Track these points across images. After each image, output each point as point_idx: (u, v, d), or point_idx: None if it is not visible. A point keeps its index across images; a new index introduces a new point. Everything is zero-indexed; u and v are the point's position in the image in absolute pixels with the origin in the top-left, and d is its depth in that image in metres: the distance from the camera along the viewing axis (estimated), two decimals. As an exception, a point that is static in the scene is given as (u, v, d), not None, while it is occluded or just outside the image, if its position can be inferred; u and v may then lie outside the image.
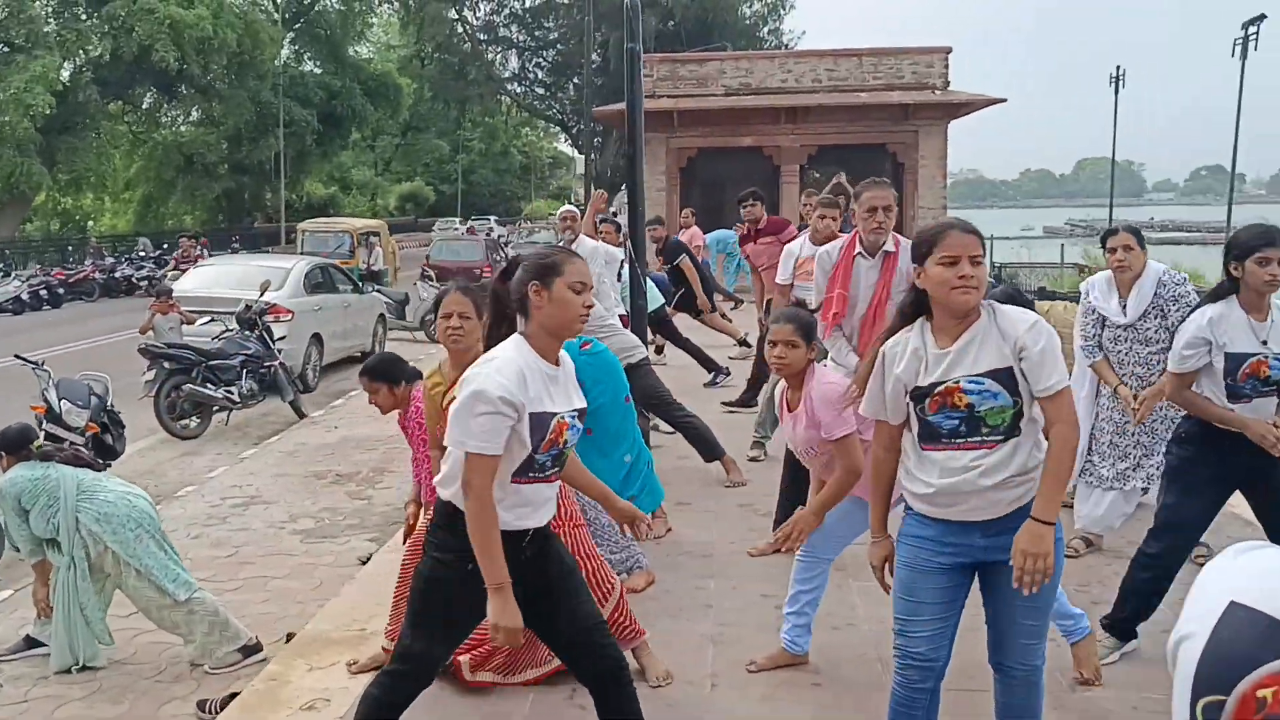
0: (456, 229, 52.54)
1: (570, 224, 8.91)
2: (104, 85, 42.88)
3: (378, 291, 19.43)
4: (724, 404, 10.56)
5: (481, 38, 46.15)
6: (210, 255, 26.33)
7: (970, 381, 3.27)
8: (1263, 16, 39.73)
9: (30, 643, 5.71)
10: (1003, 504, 3.33)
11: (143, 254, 34.48)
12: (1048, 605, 3.49)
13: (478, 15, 46.49)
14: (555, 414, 3.28)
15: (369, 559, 6.93)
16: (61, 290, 28.18)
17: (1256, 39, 39.79)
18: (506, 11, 46.38)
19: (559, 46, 46.32)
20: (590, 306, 3.38)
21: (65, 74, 41.78)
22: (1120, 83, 49.55)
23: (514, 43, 47.02)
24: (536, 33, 46.60)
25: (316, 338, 15.24)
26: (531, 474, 3.32)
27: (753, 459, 8.53)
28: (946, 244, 3.30)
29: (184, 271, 18.90)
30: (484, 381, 3.18)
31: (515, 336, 3.38)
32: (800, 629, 4.79)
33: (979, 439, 3.29)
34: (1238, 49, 39.94)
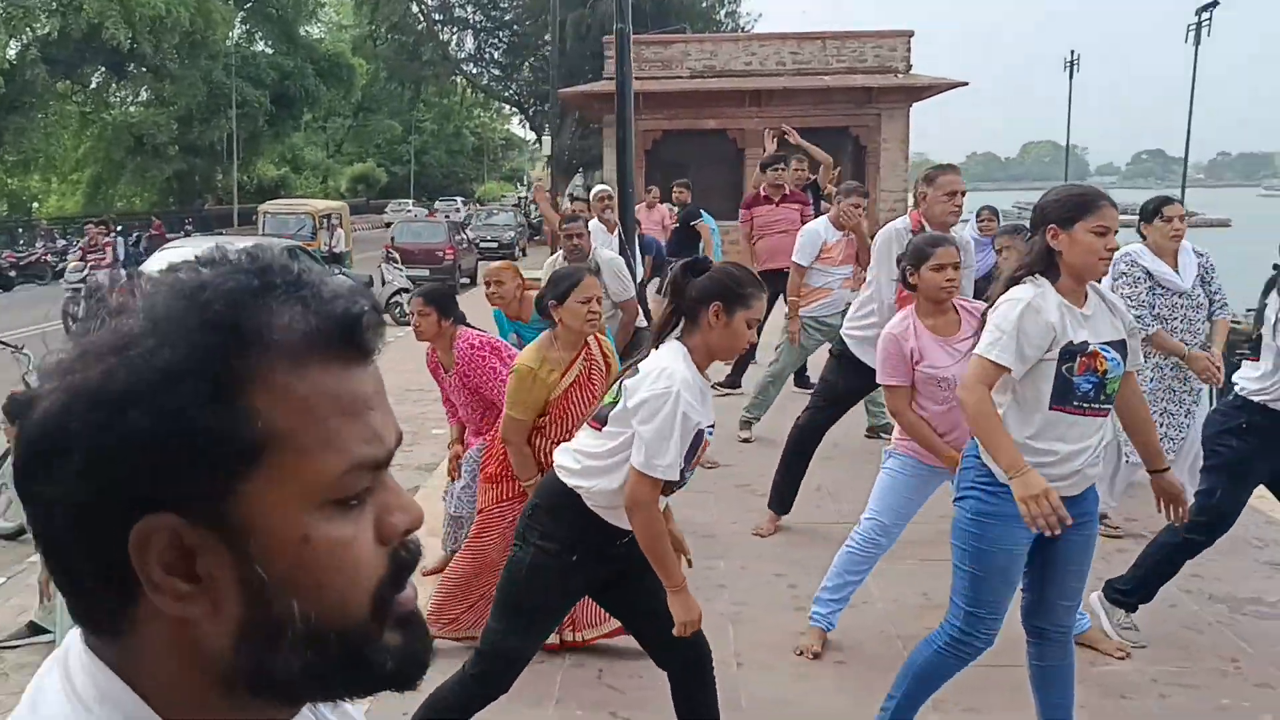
0: (409, 210, 52.16)
1: (608, 204, 9.41)
2: (52, 64, 42.04)
3: (342, 274, 19.24)
4: (714, 385, 10.58)
5: (437, 18, 45.60)
6: (168, 237, 25.96)
7: (1104, 348, 3.37)
8: (1215, 2, 40.34)
9: (34, 629, 5.55)
10: (1087, 480, 3.52)
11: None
12: (1089, 569, 3.64)
13: (433, -5, 46.05)
14: (706, 429, 3.29)
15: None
16: (13, 273, 27.69)
17: (1210, 25, 40.41)
18: (462, -9, 45.96)
19: (515, 27, 45.92)
20: (751, 343, 3.39)
21: (12, 52, 40.99)
22: (1075, 67, 50.09)
23: (469, 23, 46.48)
24: (492, 13, 46.09)
25: (287, 321, 15.09)
26: (676, 488, 3.33)
27: (744, 440, 8.56)
28: (1103, 215, 3.39)
29: (90, 264, 18.55)
30: (685, 407, 3.14)
31: (678, 347, 3.31)
32: (838, 611, 4.84)
33: (1098, 406, 3.43)
34: (1191, 34, 40.54)
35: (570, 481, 3.35)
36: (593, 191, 10.12)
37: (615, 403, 3.32)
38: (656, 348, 3.34)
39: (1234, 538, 5.08)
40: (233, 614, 0.77)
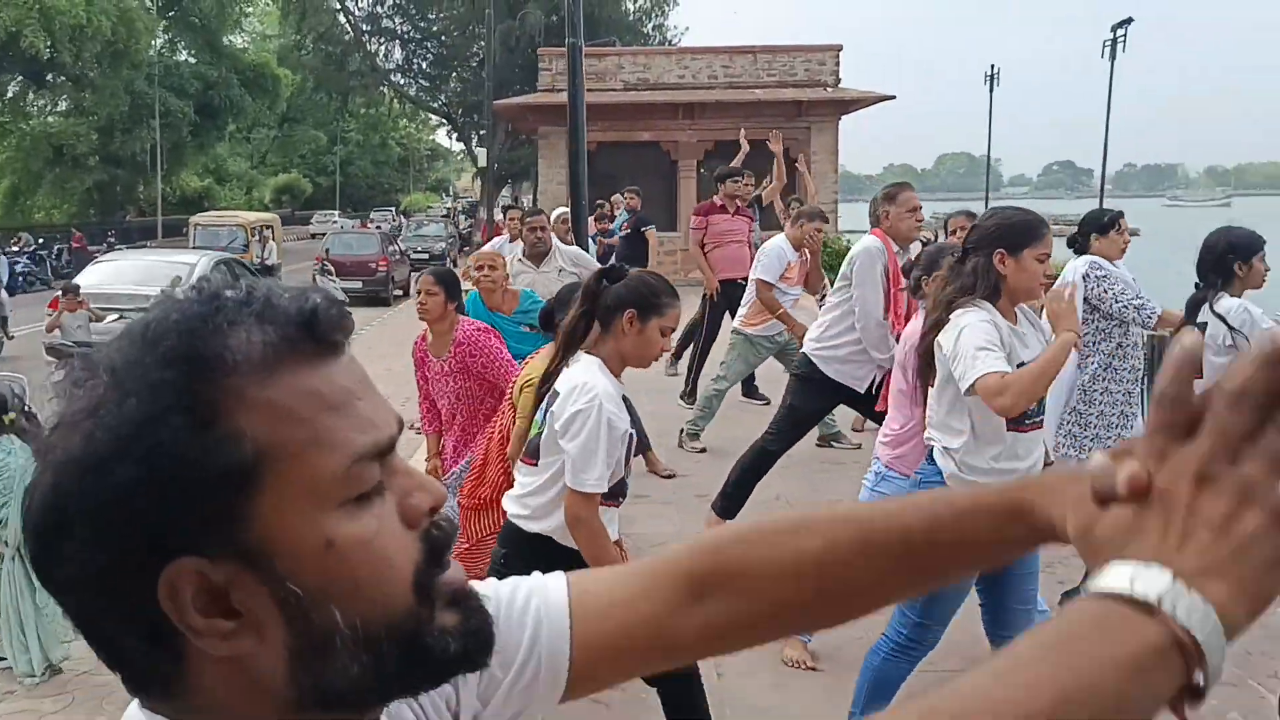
0: (335, 221, 51.70)
1: (568, 227, 9.80)
2: (-34, 72, 41.12)
3: (278, 288, 19.08)
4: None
5: (365, 28, 45.47)
6: (90, 250, 25.47)
7: None
8: (1129, 20, 41.40)
9: None
10: None
11: (15, 248, 33.17)
12: (1038, 569, 3.78)
13: (360, 6, 45.84)
14: (631, 432, 3.33)
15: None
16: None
17: (1125, 41, 41.42)
18: (390, 2, 45.78)
19: (443, 38, 45.91)
20: (667, 350, 3.45)
21: (-75, 60, 39.97)
22: (995, 81, 51.07)
23: (397, 34, 46.43)
24: (420, 24, 46.07)
25: (224, 335, 14.91)
26: (620, 498, 3.37)
27: (699, 450, 8.67)
28: (1047, 243, 3.55)
29: None
30: (609, 416, 3.17)
31: (591, 360, 3.33)
32: None
33: (1039, 419, 3.58)
34: (1107, 50, 41.52)
35: (532, 528, 3.36)
36: (555, 214, 10.18)
37: (540, 433, 3.34)
38: (565, 353, 3.37)
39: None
40: (279, 637, 0.76)
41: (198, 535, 0.74)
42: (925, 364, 3.69)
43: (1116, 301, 5.78)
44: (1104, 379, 5.93)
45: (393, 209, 62.51)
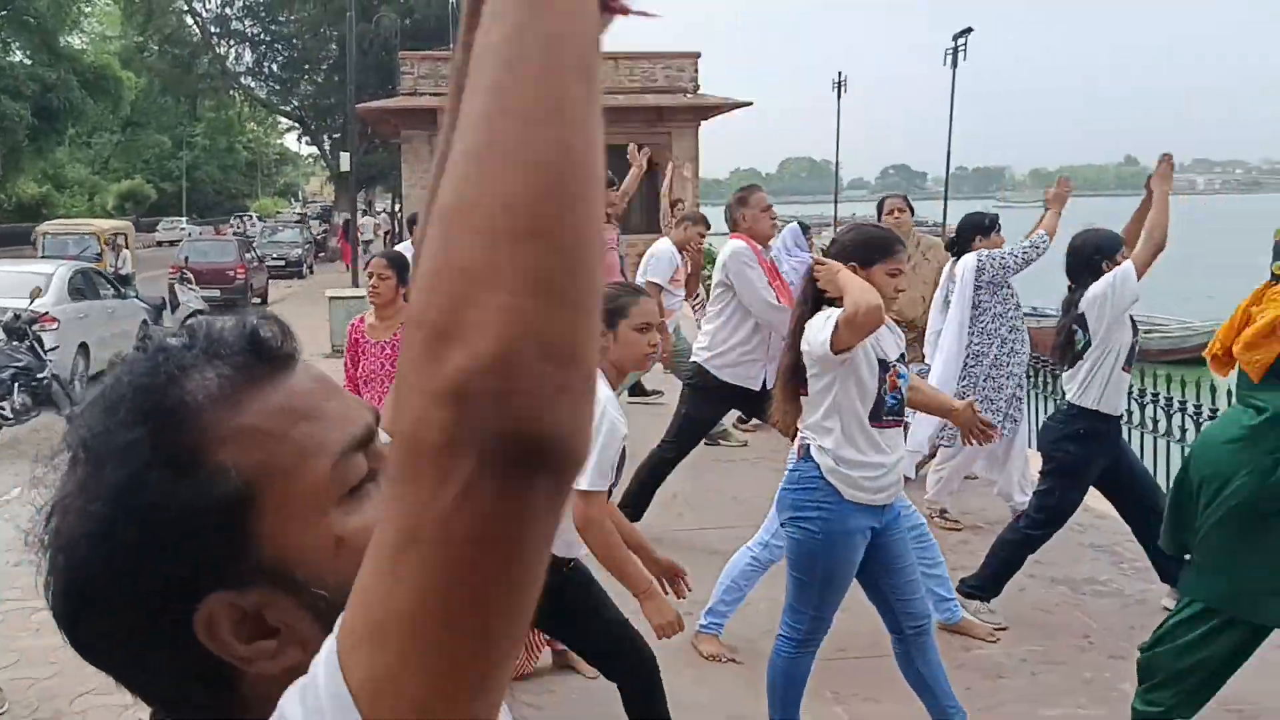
0: (184, 228, 50.23)
1: None
2: None
3: (135, 299, 18.46)
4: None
5: (213, 30, 44.31)
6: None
7: (898, 364, 3.79)
8: (970, 30, 42.87)
9: None
10: (899, 488, 3.89)
11: None
12: (915, 560, 4.06)
13: (208, 7, 44.66)
14: (625, 437, 3.44)
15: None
16: None
17: (965, 50, 42.87)
18: (239, 4, 44.70)
19: (294, 41, 45.05)
20: (656, 344, 3.53)
21: None
22: (843, 88, 52.27)
23: (248, 36, 45.38)
24: (271, 27, 45.11)
25: (83, 347, 14.35)
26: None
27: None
28: (899, 259, 3.81)
29: None
30: (612, 421, 3.27)
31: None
32: (728, 617, 5.08)
33: (899, 415, 3.81)
34: (948, 57, 42.91)
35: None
36: None
37: None
38: None
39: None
40: (321, 639, 0.73)
41: (215, 572, 0.76)
42: (793, 374, 3.89)
43: (1013, 257, 6.29)
44: (1000, 368, 6.36)
45: (253, 214, 60.91)
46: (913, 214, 7.73)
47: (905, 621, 3.91)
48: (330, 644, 0.64)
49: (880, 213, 7.54)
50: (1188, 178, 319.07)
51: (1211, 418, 6.80)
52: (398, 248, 10.65)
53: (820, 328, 3.62)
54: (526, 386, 0.56)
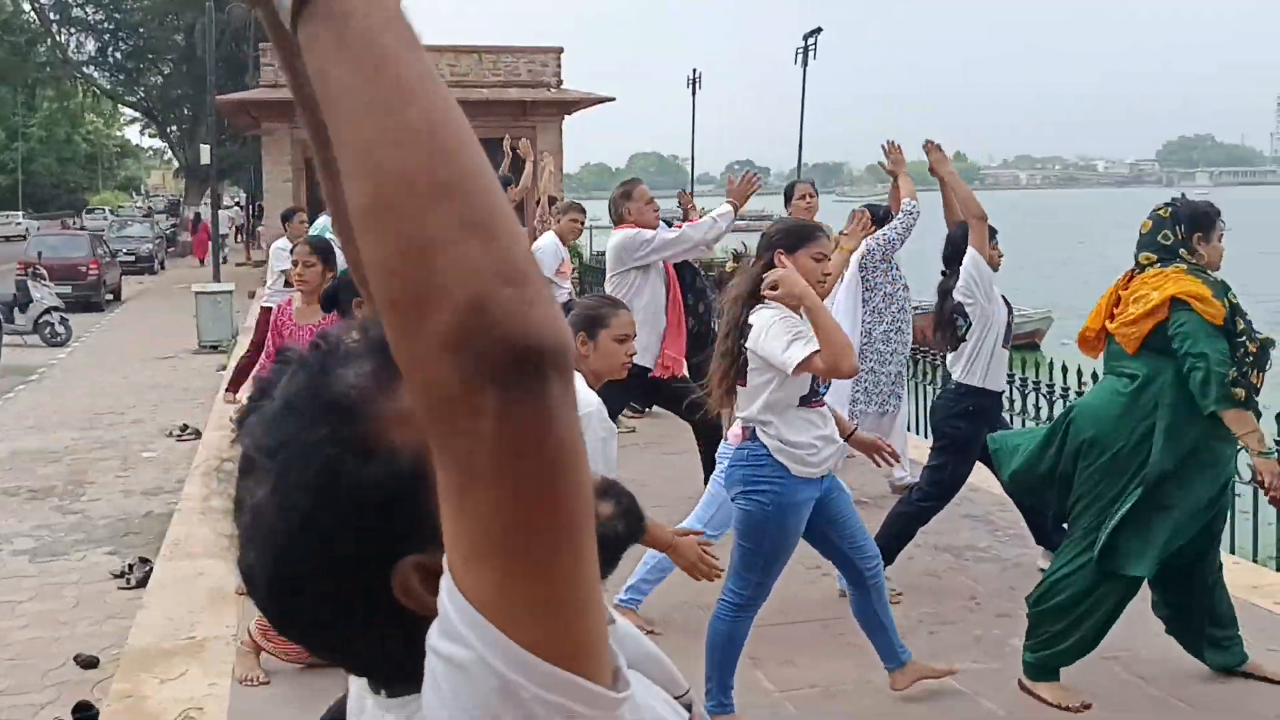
0: (20, 223, 48.36)
1: None
2: None
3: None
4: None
5: (53, 17, 42.61)
6: None
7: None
8: (819, 30, 44.04)
9: None
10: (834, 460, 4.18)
11: None
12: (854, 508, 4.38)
13: (47, -8, 42.94)
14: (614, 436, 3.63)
15: (147, 573, 6.70)
16: None
17: (815, 49, 44.03)
18: (81, -10, 43.11)
19: (140, 30, 43.63)
20: (633, 354, 3.66)
21: None
22: (697, 84, 53.01)
23: (90, 24, 43.74)
24: (115, 14, 43.57)
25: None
26: None
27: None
28: (822, 244, 4.12)
29: None
30: (599, 422, 3.36)
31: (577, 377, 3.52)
32: (647, 594, 5.30)
33: (821, 397, 4.12)
34: (799, 57, 44.01)
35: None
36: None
37: None
38: None
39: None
40: None
41: (403, 539, 0.85)
42: (730, 362, 4.13)
43: (895, 230, 6.71)
44: (887, 345, 6.81)
45: (106, 208, 58.66)
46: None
47: (863, 564, 4.22)
48: (445, 581, 0.76)
49: (789, 198, 7.71)
50: (1011, 173, 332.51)
51: (1064, 396, 7.57)
52: (274, 245, 10.63)
53: (779, 343, 3.82)
54: (502, 312, 0.68)
